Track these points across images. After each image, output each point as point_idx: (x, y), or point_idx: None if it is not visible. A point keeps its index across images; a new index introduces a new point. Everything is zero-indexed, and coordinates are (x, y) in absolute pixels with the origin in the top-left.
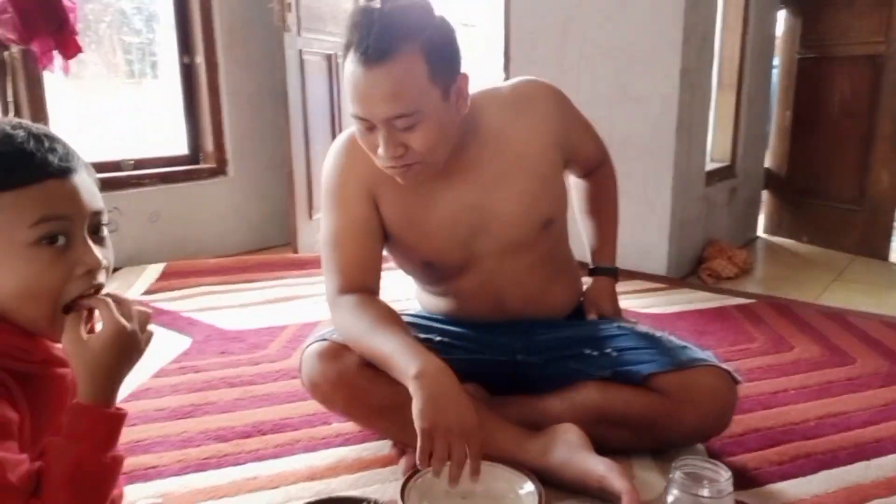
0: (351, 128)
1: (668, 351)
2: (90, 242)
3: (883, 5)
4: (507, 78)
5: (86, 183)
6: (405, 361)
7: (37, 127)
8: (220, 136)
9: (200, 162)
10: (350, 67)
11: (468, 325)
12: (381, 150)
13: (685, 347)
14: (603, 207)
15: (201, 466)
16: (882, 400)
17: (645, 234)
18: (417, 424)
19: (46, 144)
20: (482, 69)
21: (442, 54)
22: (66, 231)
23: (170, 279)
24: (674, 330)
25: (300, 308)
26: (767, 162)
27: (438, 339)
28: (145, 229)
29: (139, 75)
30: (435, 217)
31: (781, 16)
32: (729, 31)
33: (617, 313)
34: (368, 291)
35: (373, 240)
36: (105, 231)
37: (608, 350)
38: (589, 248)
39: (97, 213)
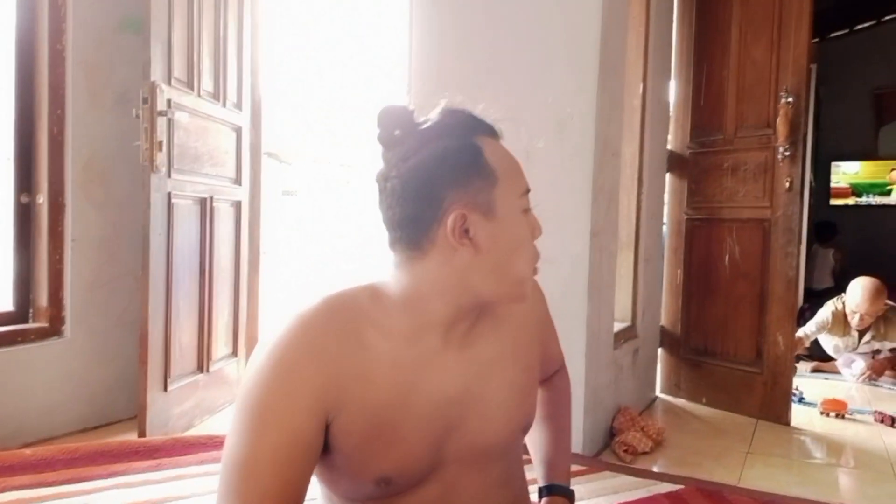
0: (311, 305)
1: None
2: None
3: (766, 172)
4: None
5: None
6: None
7: None
8: (60, 288)
9: (30, 321)
10: (493, 147)
11: None
12: (539, 230)
13: None
14: (558, 417)
15: None
16: None
17: None
18: None
19: None
20: None
21: None
22: None
23: None
24: None
25: None
26: (661, 320)
27: None
28: None
29: None
30: (415, 411)
31: (667, 178)
32: (626, 193)
33: None
34: None
35: (304, 466)
36: None
37: None
38: (540, 464)
39: None
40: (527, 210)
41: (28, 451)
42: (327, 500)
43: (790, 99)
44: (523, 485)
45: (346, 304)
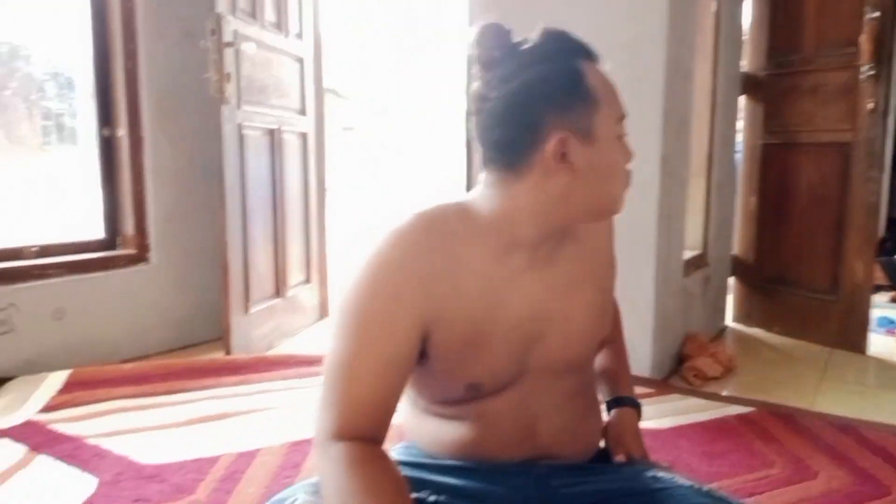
0: (406, 222)
1: None
2: None
3: (848, 93)
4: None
5: None
6: None
7: None
8: (143, 218)
9: (118, 247)
10: (594, 71)
11: (473, 471)
12: (631, 155)
13: None
14: (615, 339)
15: None
16: None
17: (627, 334)
18: None
19: None
20: None
21: None
22: None
23: (74, 391)
24: (679, 452)
25: (235, 430)
26: (734, 249)
27: (433, 498)
28: (47, 329)
29: (50, 148)
30: (502, 324)
31: (741, 102)
32: (698, 118)
33: (645, 454)
34: (371, 440)
35: (400, 376)
36: None
37: None
38: (605, 381)
39: None
40: (622, 136)
41: (128, 366)
42: (412, 404)
43: (875, 14)
44: (594, 396)
45: (439, 221)
